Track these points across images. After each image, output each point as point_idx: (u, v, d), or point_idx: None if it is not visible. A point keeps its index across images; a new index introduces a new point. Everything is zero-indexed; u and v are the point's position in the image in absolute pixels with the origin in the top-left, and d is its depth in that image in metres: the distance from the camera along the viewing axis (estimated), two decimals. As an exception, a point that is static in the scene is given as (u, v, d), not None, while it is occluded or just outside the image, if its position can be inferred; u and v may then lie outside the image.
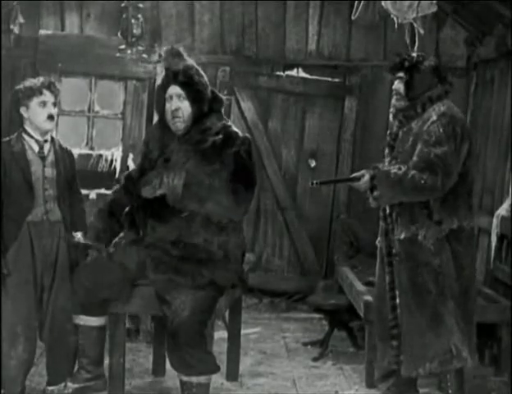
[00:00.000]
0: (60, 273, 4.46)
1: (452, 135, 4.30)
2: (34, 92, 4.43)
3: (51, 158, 4.49)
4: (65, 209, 4.51)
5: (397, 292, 4.45)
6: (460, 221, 4.37)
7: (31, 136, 4.47)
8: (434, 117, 4.34)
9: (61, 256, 4.48)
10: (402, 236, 4.42)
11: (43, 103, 4.44)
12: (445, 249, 4.36)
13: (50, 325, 4.47)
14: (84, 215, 4.70)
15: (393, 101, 4.53)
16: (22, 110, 4.46)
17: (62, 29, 7.57)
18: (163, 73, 4.44)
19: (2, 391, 4.40)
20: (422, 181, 4.24)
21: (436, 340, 4.34)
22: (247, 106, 7.72)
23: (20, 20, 7.02)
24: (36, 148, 4.47)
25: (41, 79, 4.54)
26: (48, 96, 4.45)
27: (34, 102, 4.43)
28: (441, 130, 4.29)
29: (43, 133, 4.48)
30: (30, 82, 4.49)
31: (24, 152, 4.44)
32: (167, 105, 4.40)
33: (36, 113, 4.44)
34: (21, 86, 4.49)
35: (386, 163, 4.53)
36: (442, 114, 4.34)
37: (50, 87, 4.46)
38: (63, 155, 4.57)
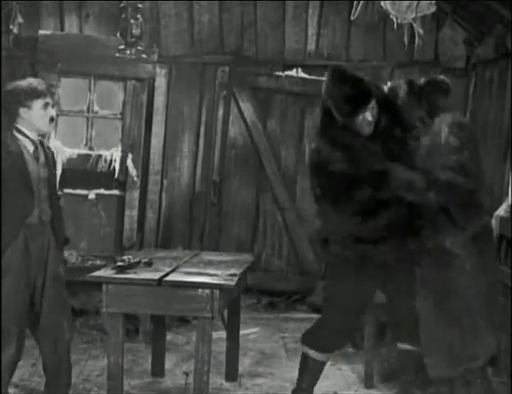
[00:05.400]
0: (50, 273, 4.43)
1: (467, 141, 4.32)
2: (39, 94, 4.39)
3: (42, 158, 4.46)
4: (54, 209, 4.49)
5: (421, 296, 4.41)
6: (481, 220, 4.41)
7: (26, 136, 4.42)
8: (445, 129, 4.35)
9: (51, 256, 4.45)
10: (428, 245, 4.39)
11: (46, 105, 4.42)
12: (473, 251, 4.36)
13: (43, 325, 4.43)
14: (61, 212, 4.64)
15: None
16: (22, 110, 4.39)
17: (62, 30, 7.56)
18: None
19: (3, 391, 4.39)
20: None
21: (464, 340, 4.32)
22: (246, 106, 7.72)
23: (20, 20, 7.02)
24: (31, 148, 4.43)
25: (40, 80, 4.53)
26: (48, 98, 4.44)
27: (38, 104, 4.39)
28: (455, 138, 4.32)
29: (42, 134, 4.46)
30: (32, 82, 4.46)
31: (21, 152, 4.37)
32: None
33: (39, 115, 4.40)
34: (23, 86, 4.41)
35: None
36: (452, 124, 4.35)
37: (50, 89, 4.49)
38: (50, 155, 4.56)
